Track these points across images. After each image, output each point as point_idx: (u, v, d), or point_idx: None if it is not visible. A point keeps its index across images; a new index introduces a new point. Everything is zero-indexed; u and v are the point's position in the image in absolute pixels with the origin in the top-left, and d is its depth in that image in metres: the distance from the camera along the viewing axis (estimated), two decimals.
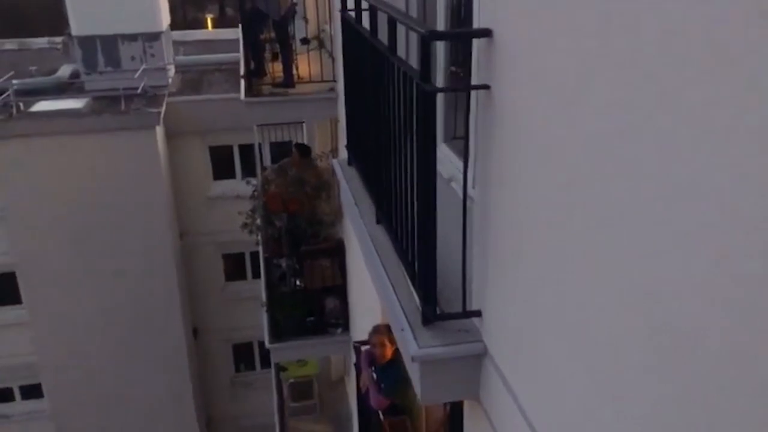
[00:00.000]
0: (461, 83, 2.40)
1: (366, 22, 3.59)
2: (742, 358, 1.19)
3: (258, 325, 9.18)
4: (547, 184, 2.05)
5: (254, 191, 9.17)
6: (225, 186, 13.79)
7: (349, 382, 9.14)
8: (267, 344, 7.85)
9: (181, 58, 15.18)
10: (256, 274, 12.62)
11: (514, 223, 2.34)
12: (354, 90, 4.26)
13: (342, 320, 8.04)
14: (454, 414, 3.42)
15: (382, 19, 3.03)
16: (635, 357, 1.59)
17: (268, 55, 7.50)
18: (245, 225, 8.51)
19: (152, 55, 13.60)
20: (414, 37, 4.37)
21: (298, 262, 7.92)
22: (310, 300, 8.00)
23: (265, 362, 13.25)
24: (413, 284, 2.91)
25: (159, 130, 12.51)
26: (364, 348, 5.13)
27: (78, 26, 13.24)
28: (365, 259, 3.77)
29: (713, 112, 1.24)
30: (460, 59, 3.51)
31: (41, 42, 16.33)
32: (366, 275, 4.02)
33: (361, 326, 6.89)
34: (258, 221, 8.41)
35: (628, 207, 1.58)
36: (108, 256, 12.68)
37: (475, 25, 2.39)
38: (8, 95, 12.25)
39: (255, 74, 6.96)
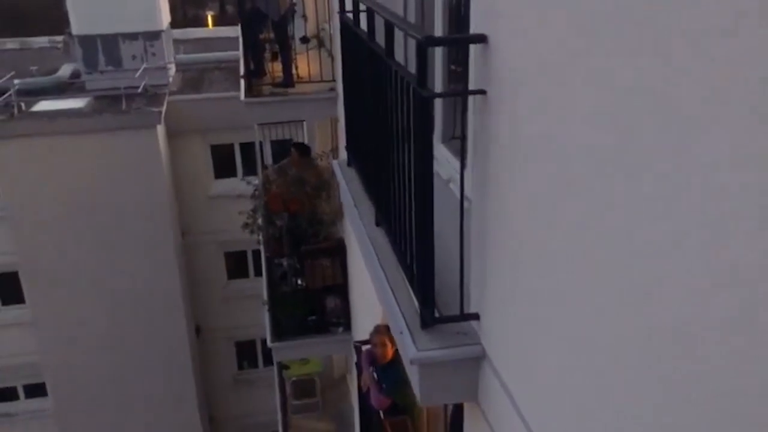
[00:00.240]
0: (461, 81, 2.41)
1: (364, 23, 3.59)
2: (741, 363, 1.19)
3: (260, 323, 9.21)
4: (542, 187, 2.06)
5: (255, 191, 9.19)
6: (226, 184, 13.80)
7: (351, 380, 9.17)
8: (269, 344, 7.88)
9: (181, 56, 15.19)
10: (258, 272, 12.65)
11: (510, 226, 2.35)
12: (353, 92, 4.27)
13: (343, 319, 8.06)
14: (455, 414, 3.44)
15: (380, 22, 3.04)
16: (633, 359, 1.60)
17: (267, 54, 7.50)
18: (246, 225, 8.53)
19: (153, 54, 13.62)
20: (412, 39, 4.39)
21: (299, 261, 7.94)
22: (311, 299, 8.02)
23: (268, 360, 13.27)
24: (412, 287, 2.92)
25: (160, 129, 12.52)
26: (364, 348, 5.15)
27: (78, 25, 13.26)
28: (365, 261, 3.79)
29: (710, 113, 1.24)
30: (461, 57, 3.52)
31: (42, 41, 16.35)
32: (366, 275, 4.03)
33: (362, 325, 6.91)
34: (259, 221, 8.43)
35: (624, 209, 1.58)
36: (110, 255, 12.71)
37: (472, 30, 2.39)
38: (10, 95, 12.27)
39: (255, 74, 6.97)
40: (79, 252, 12.62)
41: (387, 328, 4.65)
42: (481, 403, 2.74)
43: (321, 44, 7.54)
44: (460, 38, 2.69)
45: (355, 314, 7.94)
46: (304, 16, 8.33)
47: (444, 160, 3.89)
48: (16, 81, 12.84)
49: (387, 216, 3.49)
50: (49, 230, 12.39)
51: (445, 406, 3.81)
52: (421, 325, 2.74)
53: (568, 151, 1.87)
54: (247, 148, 13.68)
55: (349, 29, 3.93)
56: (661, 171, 1.41)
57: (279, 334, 7.91)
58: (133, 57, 13.47)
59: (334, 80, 6.68)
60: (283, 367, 9.93)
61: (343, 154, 5.01)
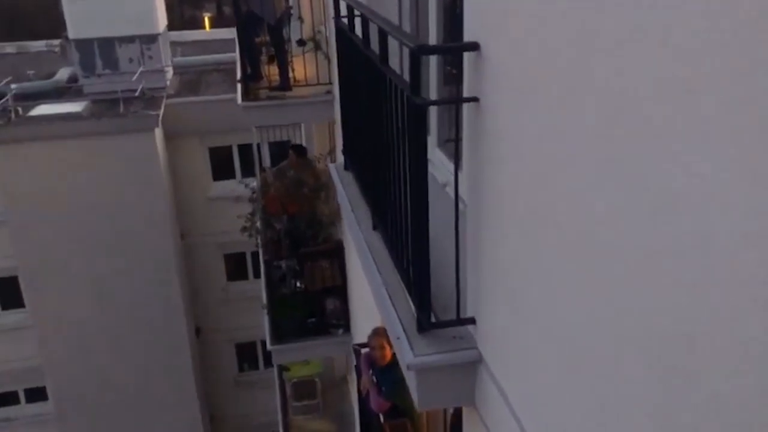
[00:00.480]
0: (457, 83, 2.43)
1: (359, 28, 3.60)
2: (739, 368, 1.20)
3: (260, 324, 9.23)
4: (536, 193, 2.08)
5: (253, 193, 9.20)
6: (225, 186, 13.82)
7: (351, 381, 9.18)
8: (269, 347, 7.89)
9: (179, 59, 15.20)
10: (258, 274, 12.67)
11: (505, 231, 2.37)
12: (348, 96, 4.29)
13: (343, 321, 8.08)
14: (455, 417, 3.46)
15: (375, 29, 3.06)
16: (629, 364, 1.61)
17: (264, 58, 7.51)
18: (245, 228, 8.54)
19: (150, 57, 13.62)
20: (409, 25, 4.40)
21: (298, 263, 7.96)
22: (310, 301, 8.04)
23: (269, 361, 13.29)
24: (409, 292, 2.94)
25: (158, 132, 12.54)
26: (363, 350, 5.17)
27: (75, 29, 13.26)
28: (362, 265, 3.81)
29: (706, 118, 1.26)
30: (456, 60, 3.53)
31: (39, 45, 16.36)
32: (364, 277, 4.05)
33: (361, 327, 6.92)
34: (258, 224, 8.44)
35: (619, 214, 1.59)
36: (109, 258, 12.73)
37: (466, 38, 2.41)
38: (7, 100, 12.28)
39: (251, 78, 6.98)
40: (79, 255, 12.64)
41: (385, 330, 4.67)
42: (479, 407, 2.76)
43: (317, 47, 7.55)
44: (453, 47, 2.71)
45: (355, 315, 7.96)
46: (300, 19, 8.33)
47: (440, 163, 3.91)
48: (13, 85, 12.85)
49: (383, 220, 3.51)
50: (48, 234, 12.40)
51: (445, 409, 3.83)
52: (417, 330, 2.76)
53: (561, 158, 1.89)
54: (246, 150, 13.70)
55: (344, 34, 3.95)
56: (655, 177, 1.42)
57: (279, 336, 7.92)
58: (130, 60, 13.48)
59: (330, 83, 6.70)
60: (283, 368, 9.95)
61: (341, 156, 5.03)
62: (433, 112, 4.01)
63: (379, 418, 5.07)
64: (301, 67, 7.25)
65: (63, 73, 14.15)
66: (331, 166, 4.99)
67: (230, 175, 14.15)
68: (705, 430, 1.33)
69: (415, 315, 2.79)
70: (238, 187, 11.81)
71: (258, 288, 9.96)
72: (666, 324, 1.43)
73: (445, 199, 3.33)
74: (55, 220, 12.34)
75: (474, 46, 2.29)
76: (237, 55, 7.52)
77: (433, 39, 3.86)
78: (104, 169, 12.27)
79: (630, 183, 1.52)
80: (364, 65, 3.34)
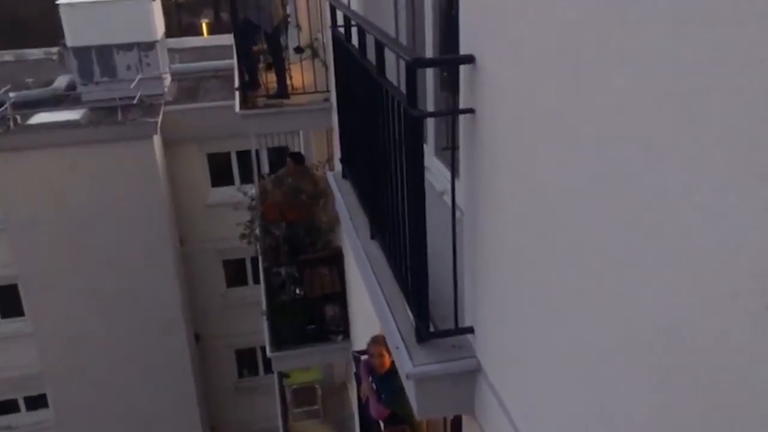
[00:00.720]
0: (453, 90, 2.45)
1: (356, 38, 3.62)
2: (743, 381, 1.21)
3: (260, 330, 9.25)
4: (532, 202, 2.09)
5: (252, 200, 9.22)
6: (223, 193, 13.83)
7: (351, 388, 9.18)
8: (268, 353, 7.90)
9: (176, 66, 15.22)
10: (257, 279, 12.69)
11: (503, 239, 2.38)
12: (346, 105, 4.30)
13: (342, 327, 8.09)
14: (454, 425, 3.47)
15: (371, 39, 3.08)
16: (630, 373, 1.61)
17: (262, 65, 7.53)
18: (244, 236, 8.56)
19: (148, 64, 13.65)
20: (405, 35, 4.43)
21: (297, 270, 7.97)
22: (310, 308, 8.05)
23: (269, 367, 13.28)
24: (407, 301, 2.95)
25: (156, 139, 12.56)
26: (363, 358, 5.18)
27: (73, 37, 13.29)
28: (361, 274, 3.82)
29: (699, 135, 1.27)
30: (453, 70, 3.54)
31: (37, 53, 16.38)
32: (363, 285, 4.05)
33: (361, 333, 6.93)
34: (257, 231, 8.46)
35: (612, 224, 1.61)
36: (109, 265, 12.75)
37: (461, 51, 2.43)
38: (5, 108, 12.30)
39: (249, 86, 7.00)
40: (78, 263, 12.65)
41: (384, 338, 4.68)
42: (478, 416, 2.77)
43: (315, 54, 7.57)
44: (449, 59, 2.73)
45: (354, 322, 7.97)
46: (298, 26, 8.35)
47: (437, 171, 3.92)
48: (11, 93, 12.87)
49: (381, 230, 3.53)
50: (48, 242, 12.42)
51: (445, 417, 3.84)
52: (416, 340, 2.77)
53: (556, 168, 1.90)
54: (244, 156, 13.72)
55: (340, 44, 3.97)
56: (650, 187, 1.44)
57: (278, 343, 7.93)
58: (128, 67, 13.50)
59: (328, 91, 6.71)
60: (283, 375, 9.95)
61: (339, 164, 5.05)
62: (430, 120, 4.02)
63: (379, 425, 5.07)
64: (299, 74, 7.26)
65: (61, 81, 14.17)
66: (329, 174, 5.00)
67: (229, 181, 14.17)
68: None
69: (414, 325, 2.80)
70: (236, 193, 11.84)
71: (258, 293, 9.98)
72: (669, 334, 1.43)
73: (442, 207, 3.34)
74: (55, 228, 12.35)
75: (469, 59, 2.31)
76: (235, 63, 7.53)
77: (429, 46, 3.88)
78: (103, 177, 12.28)
79: (626, 193, 1.53)
80: (361, 75, 3.36)
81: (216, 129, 12.90)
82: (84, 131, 12.27)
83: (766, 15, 1.05)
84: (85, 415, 13.56)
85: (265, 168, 12.72)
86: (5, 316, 13.95)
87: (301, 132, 11.27)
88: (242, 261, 14.58)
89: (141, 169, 12.42)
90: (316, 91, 6.92)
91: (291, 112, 6.83)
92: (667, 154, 1.35)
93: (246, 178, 13.67)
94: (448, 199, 3.47)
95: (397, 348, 2.82)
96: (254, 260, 12.90)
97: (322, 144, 9.35)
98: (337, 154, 5.31)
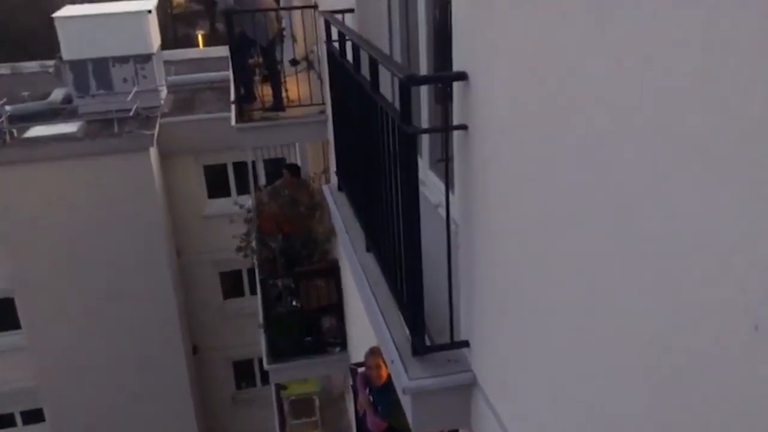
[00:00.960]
0: (447, 101, 2.48)
1: (350, 52, 3.64)
2: (740, 393, 1.22)
3: (258, 341, 9.24)
4: (524, 217, 2.11)
5: (249, 213, 9.23)
6: (220, 204, 13.84)
7: (349, 399, 9.17)
8: (266, 366, 7.89)
9: (173, 78, 15.26)
10: (254, 291, 12.68)
11: (496, 254, 2.39)
12: (340, 119, 4.33)
13: (339, 339, 8.09)
14: None
15: (366, 55, 3.11)
16: (625, 387, 1.62)
17: (258, 78, 7.56)
18: (240, 248, 8.57)
19: (144, 77, 13.68)
20: (399, 50, 4.46)
21: (293, 282, 7.97)
22: (307, 320, 8.05)
23: (266, 379, 13.26)
24: (403, 315, 2.97)
25: (153, 152, 12.58)
26: (360, 370, 5.18)
27: (69, 50, 13.31)
28: (357, 287, 3.83)
29: (685, 149, 1.29)
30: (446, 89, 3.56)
31: (33, 66, 16.42)
32: (359, 298, 4.06)
33: (358, 344, 6.93)
34: (253, 244, 8.47)
35: (603, 237, 1.63)
36: (105, 278, 12.73)
37: (454, 67, 2.45)
38: (1, 122, 12.31)
39: (245, 99, 7.02)
40: (75, 276, 12.63)
41: (381, 350, 4.68)
42: (474, 430, 2.78)
43: (310, 66, 7.60)
44: (442, 76, 2.76)
45: (351, 333, 7.97)
46: (294, 38, 8.40)
47: (432, 184, 3.94)
48: (7, 107, 12.88)
49: (376, 243, 3.54)
50: (44, 255, 12.41)
51: (441, 430, 3.84)
52: (412, 354, 2.78)
53: (547, 182, 1.92)
54: (241, 167, 13.74)
55: (335, 59, 3.99)
56: (639, 203, 1.46)
57: (275, 355, 7.92)
58: (124, 80, 13.53)
59: (323, 103, 6.74)
60: (280, 387, 9.94)
61: (335, 176, 5.07)
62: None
63: None
64: (295, 86, 7.29)
65: (57, 94, 14.20)
66: (325, 187, 5.03)
67: (225, 192, 14.19)
68: None
69: (410, 338, 2.81)
70: (233, 205, 11.87)
71: (254, 305, 9.99)
72: (663, 350, 1.44)
73: (438, 219, 3.36)
74: (51, 241, 12.34)
75: (462, 76, 2.34)
76: (230, 76, 7.56)
77: (423, 60, 3.91)
78: (100, 190, 12.29)
79: (617, 208, 1.55)
80: (356, 90, 3.38)
81: (212, 141, 12.93)
82: (80, 144, 12.28)
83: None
84: (82, 429, 13.49)
85: (262, 179, 12.75)
86: (1, 329, 13.89)
87: (297, 143, 11.30)
88: (239, 272, 14.58)
89: (137, 181, 12.43)
90: (311, 104, 6.94)
91: (287, 125, 6.85)
92: (658, 170, 1.37)
93: (242, 190, 13.69)
94: (443, 211, 3.49)
95: (393, 362, 2.83)
96: (251, 271, 12.91)
97: (318, 155, 9.37)
98: (333, 165, 5.33)
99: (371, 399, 4.92)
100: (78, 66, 13.36)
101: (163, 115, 13.45)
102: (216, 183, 14.21)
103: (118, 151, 12.27)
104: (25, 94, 14.14)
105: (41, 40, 19.43)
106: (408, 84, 2.33)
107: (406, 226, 2.60)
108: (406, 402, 2.79)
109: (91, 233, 12.42)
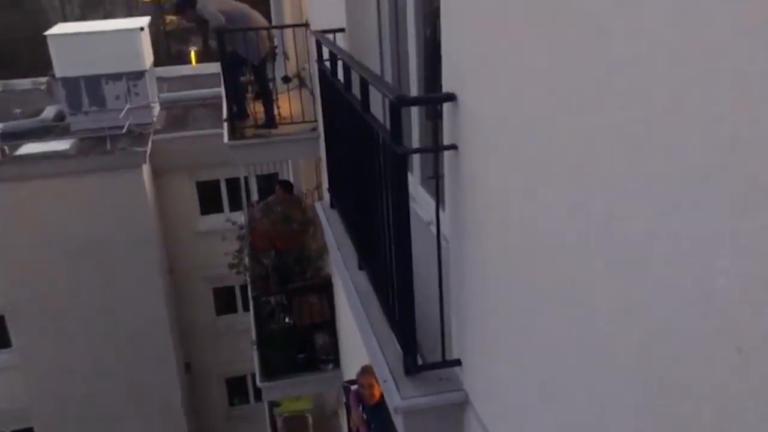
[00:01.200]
0: (438, 117, 2.50)
1: (341, 71, 3.67)
2: (726, 416, 1.22)
3: (251, 357, 9.21)
4: (515, 235, 2.12)
5: (241, 229, 9.23)
6: (213, 220, 13.82)
7: (342, 416, 9.13)
8: (258, 383, 7.86)
9: (165, 94, 15.28)
10: (247, 307, 12.65)
11: (487, 272, 2.40)
12: (332, 137, 4.35)
13: (332, 356, 8.07)
14: None
15: (356, 75, 3.13)
16: (618, 408, 1.62)
17: (250, 95, 7.58)
18: (233, 266, 8.55)
19: (137, 94, 13.68)
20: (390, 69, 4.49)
21: (286, 299, 7.96)
22: (300, 336, 8.03)
23: (260, 395, 13.21)
24: (395, 334, 2.97)
25: (145, 168, 12.57)
26: (353, 388, 5.17)
27: (61, 67, 13.32)
28: (349, 305, 3.83)
29: (670, 168, 1.31)
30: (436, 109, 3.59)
31: (25, 83, 16.41)
32: (352, 316, 4.06)
33: (351, 361, 6.91)
34: (246, 261, 8.46)
35: (593, 255, 1.63)
36: (98, 296, 12.67)
37: (444, 88, 2.48)
38: None
39: (237, 117, 7.04)
40: (67, 293, 12.56)
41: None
42: None
43: (302, 84, 7.64)
44: (432, 98, 2.78)
45: (344, 350, 7.95)
46: (285, 55, 8.43)
47: (423, 201, 3.97)
48: (0, 125, 12.86)
49: (368, 261, 3.55)
50: (36, 273, 12.34)
51: None
52: (404, 373, 2.78)
53: (535, 204, 1.94)
54: (234, 183, 13.75)
55: (327, 78, 4.02)
56: (628, 223, 1.47)
57: (268, 373, 7.89)
58: (117, 97, 13.52)
59: (316, 120, 6.77)
60: (273, 404, 9.88)
61: (327, 193, 5.08)
62: (416, 143, 4.06)
63: None
64: (287, 104, 7.32)
65: (49, 111, 14.18)
66: (317, 204, 5.04)
67: (218, 208, 14.18)
68: None
69: (402, 357, 2.81)
70: (226, 222, 11.87)
71: (247, 321, 9.96)
72: (648, 369, 1.45)
73: (430, 236, 3.37)
74: (43, 259, 12.29)
75: (451, 97, 2.36)
76: (223, 94, 7.59)
77: (414, 80, 3.94)
78: (92, 207, 12.26)
79: (603, 224, 1.57)
80: (347, 109, 3.40)
81: (205, 157, 12.92)
82: (73, 162, 12.26)
83: None
84: None
85: (255, 195, 12.75)
86: None
87: (290, 160, 11.32)
88: (232, 288, 14.54)
89: (130, 198, 12.41)
90: (303, 121, 6.97)
91: (279, 142, 6.87)
92: (646, 189, 1.39)
93: (235, 205, 13.69)
94: (435, 229, 3.50)
95: (385, 381, 2.83)
96: (244, 288, 12.86)
97: (311, 171, 9.39)
98: (326, 182, 5.35)
99: (365, 417, 4.91)
100: (70, 83, 13.36)
101: (156, 132, 13.45)
102: (209, 199, 14.20)
103: (111, 169, 12.25)
104: (17, 111, 14.12)
105: (34, 58, 19.45)
106: (398, 105, 2.35)
107: (398, 246, 2.61)
108: (398, 421, 2.78)
109: (83, 251, 12.37)
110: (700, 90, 1.18)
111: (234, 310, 14.85)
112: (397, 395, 2.69)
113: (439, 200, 2.66)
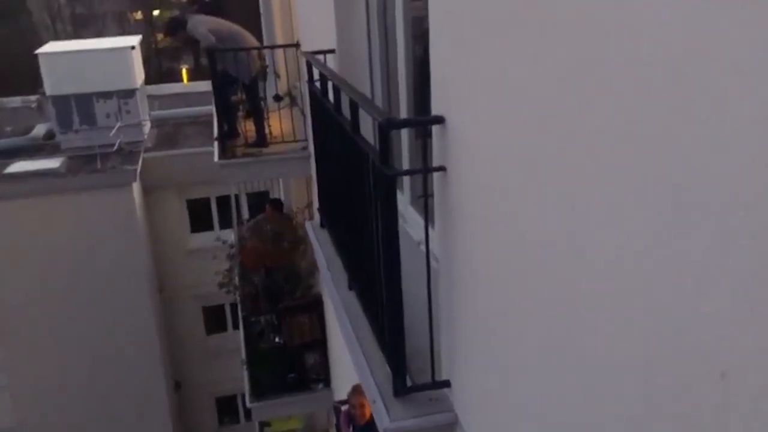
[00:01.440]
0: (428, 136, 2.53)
1: (332, 92, 3.69)
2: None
3: (241, 376, 9.15)
4: (504, 254, 2.13)
5: (231, 248, 9.20)
6: (203, 238, 13.78)
7: None
8: (248, 404, 7.80)
9: (156, 112, 15.29)
10: (237, 326, 12.59)
11: (477, 290, 2.40)
12: (322, 157, 4.37)
13: (323, 375, 8.03)
14: None
15: (346, 96, 3.15)
16: (610, 427, 1.62)
17: (241, 114, 7.60)
18: (222, 285, 8.52)
19: (128, 112, 13.67)
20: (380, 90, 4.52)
21: (276, 318, 7.93)
22: (290, 356, 7.99)
23: (250, 415, 13.11)
24: (384, 355, 2.97)
25: (136, 186, 12.54)
26: (343, 408, 5.14)
27: (52, 85, 13.32)
28: (339, 325, 3.83)
29: (654, 186, 1.32)
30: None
31: (15, 101, 16.39)
32: (342, 337, 4.05)
33: (342, 380, 6.88)
34: (236, 280, 8.43)
35: (581, 277, 1.65)
36: (87, 314, 12.57)
37: (433, 111, 2.51)
38: None
39: (228, 136, 7.06)
40: (55, 313, 12.46)
41: None
42: None
43: (294, 102, 7.66)
44: (421, 120, 2.80)
45: (335, 369, 7.91)
46: (276, 74, 8.46)
47: (414, 221, 3.98)
48: None
49: (358, 281, 3.56)
50: (24, 292, 12.24)
51: None
52: (393, 394, 2.78)
53: (523, 225, 1.96)
54: (224, 201, 13.73)
55: (317, 99, 4.05)
56: (615, 249, 1.48)
57: (258, 393, 7.84)
58: (108, 115, 13.51)
59: (306, 139, 6.79)
60: (264, 424, 9.81)
61: (317, 211, 5.08)
62: (407, 165, 4.08)
63: None
64: (278, 122, 7.34)
65: (40, 129, 14.15)
66: (308, 224, 5.05)
67: (208, 226, 14.15)
68: None
69: (391, 378, 2.81)
70: (216, 242, 11.84)
71: (237, 339, 9.91)
72: (635, 393, 1.46)
73: (420, 256, 3.37)
74: (31, 277, 12.20)
75: (440, 120, 2.39)
76: (214, 113, 7.60)
77: (403, 100, 3.97)
78: (82, 225, 12.20)
79: (592, 244, 1.58)
80: (337, 129, 3.42)
81: (195, 175, 12.90)
82: (62, 180, 12.21)
83: None
84: None
85: (245, 213, 12.73)
86: None
87: (280, 178, 11.33)
88: (221, 307, 14.47)
89: (120, 216, 12.36)
90: (294, 140, 6.99)
91: (270, 161, 6.89)
92: (631, 215, 1.40)
93: (225, 224, 13.67)
94: (425, 248, 3.51)
95: (374, 402, 2.83)
96: (234, 306, 12.81)
97: (301, 189, 9.40)
98: (316, 200, 5.36)
99: None
100: (61, 101, 13.34)
101: (147, 150, 13.44)
102: (199, 217, 14.17)
103: (101, 187, 12.22)
104: (7, 129, 14.08)
105: (25, 76, 19.44)
106: (387, 128, 2.37)
107: (387, 267, 2.62)
108: None
109: (72, 269, 12.30)
110: (682, 120, 1.20)
111: (224, 329, 14.78)
112: (386, 417, 2.69)
113: (428, 220, 2.67)
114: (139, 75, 14.24)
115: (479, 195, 2.25)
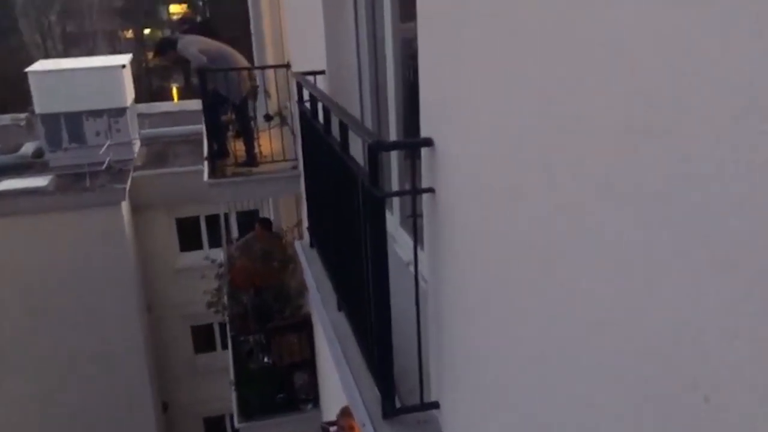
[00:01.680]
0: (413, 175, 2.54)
1: (322, 113, 3.71)
2: None
3: (229, 396, 9.08)
4: (493, 274, 2.14)
5: (220, 267, 9.17)
6: (192, 257, 13.73)
7: None
8: (236, 425, 7.74)
9: (146, 131, 15.28)
10: (226, 345, 12.51)
11: (466, 312, 2.41)
12: (312, 177, 4.38)
13: (312, 396, 7.98)
14: None
15: (336, 119, 3.17)
16: None
17: (231, 133, 7.62)
18: (211, 304, 8.48)
19: (118, 130, 13.66)
20: (370, 110, 4.55)
21: (265, 338, 7.89)
22: (279, 376, 7.94)
23: None
24: (373, 377, 2.96)
25: (125, 205, 12.50)
26: (332, 429, 5.11)
27: (42, 104, 13.30)
28: (328, 346, 3.82)
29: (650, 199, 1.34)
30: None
31: (4, 119, 16.35)
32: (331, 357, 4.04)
33: (331, 401, 6.84)
34: (225, 300, 8.39)
35: (571, 297, 1.65)
36: (75, 334, 12.47)
37: (422, 133, 2.52)
38: None
39: (218, 155, 7.07)
40: (43, 332, 12.36)
41: None
42: None
43: (284, 122, 7.69)
44: (409, 143, 2.82)
45: (324, 389, 7.87)
46: (267, 94, 8.50)
47: (403, 242, 3.99)
48: None
49: (347, 302, 3.55)
50: (11, 311, 12.14)
51: None
52: (382, 416, 2.77)
53: (511, 247, 1.96)
54: (213, 220, 13.69)
55: (307, 119, 4.07)
56: (602, 271, 1.49)
57: (247, 414, 7.78)
58: (97, 134, 13.50)
59: (296, 159, 6.81)
60: None
61: (307, 231, 5.08)
62: (396, 185, 4.10)
63: None
64: (268, 142, 7.36)
65: (28, 147, 14.11)
66: (297, 243, 5.04)
67: (198, 245, 14.10)
68: None
69: (380, 400, 2.80)
70: (205, 261, 11.79)
71: (226, 359, 9.84)
72: (626, 415, 1.46)
73: (409, 276, 3.38)
74: (19, 296, 12.11)
75: (428, 142, 2.40)
76: (204, 133, 7.62)
77: (393, 122, 4.00)
78: (70, 244, 12.14)
79: (582, 266, 1.59)
80: (326, 150, 3.44)
81: (185, 194, 12.88)
82: (51, 198, 12.16)
83: None
84: None
85: (235, 232, 12.71)
86: None
87: (270, 197, 11.32)
88: (210, 326, 14.39)
89: (109, 235, 12.31)
90: (284, 159, 7.01)
91: (259, 180, 6.90)
92: (619, 235, 1.41)
93: (215, 242, 13.62)
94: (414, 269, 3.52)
95: (363, 425, 2.81)
96: (222, 325, 12.74)
97: (291, 209, 9.40)
98: (306, 219, 5.36)
99: None
100: (50, 120, 13.32)
101: (136, 168, 13.42)
102: (188, 236, 14.13)
103: (90, 206, 12.17)
104: None
105: (15, 94, 19.40)
106: (376, 150, 2.38)
107: (376, 288, 2.62)
108: None
109: (60, 288, 12.22)
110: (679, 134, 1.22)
111: (213, 349, 14.68)
112: None
113: (417, 241, 2.68)
114: (130, 93, 14.25)
115: (468, 217, 2.26)
